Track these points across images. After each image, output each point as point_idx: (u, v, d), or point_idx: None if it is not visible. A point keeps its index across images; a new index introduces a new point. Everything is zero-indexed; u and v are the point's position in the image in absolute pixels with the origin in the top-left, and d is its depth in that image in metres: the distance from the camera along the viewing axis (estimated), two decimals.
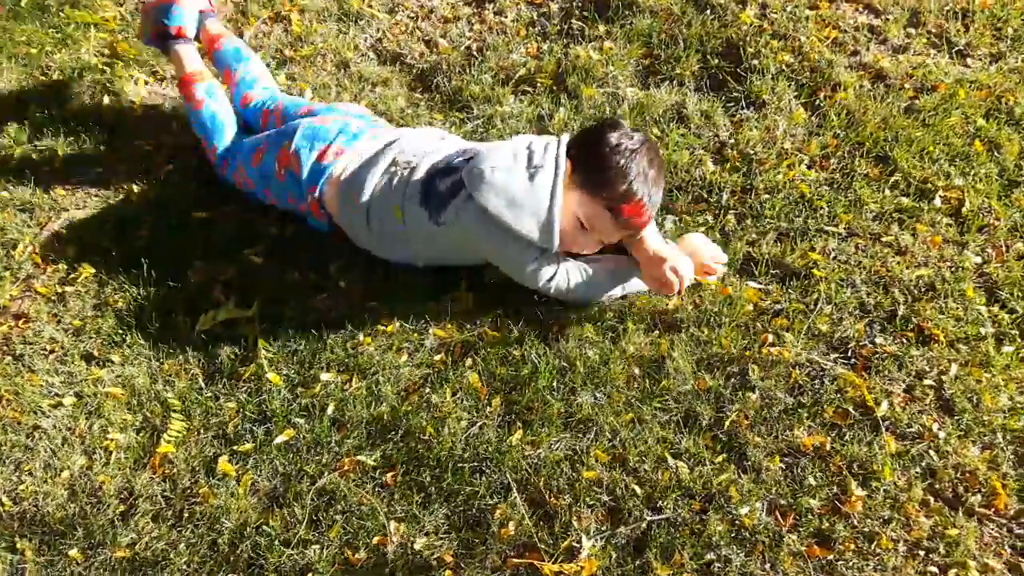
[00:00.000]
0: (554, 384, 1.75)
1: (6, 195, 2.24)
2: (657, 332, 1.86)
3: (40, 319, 1.96)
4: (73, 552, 1.57)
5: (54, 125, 2.45)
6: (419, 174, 1.89)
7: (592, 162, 1.74)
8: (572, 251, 1.87)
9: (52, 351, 1.91)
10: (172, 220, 2.16)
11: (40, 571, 1.55)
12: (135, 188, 2.27)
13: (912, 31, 2.62)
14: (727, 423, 1.67)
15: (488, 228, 1.77)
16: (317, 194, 1.98)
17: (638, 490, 1.57)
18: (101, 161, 2.35)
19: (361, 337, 1.86)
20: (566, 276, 1.84)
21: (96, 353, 1.89)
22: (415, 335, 1.87)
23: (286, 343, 1.87)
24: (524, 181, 1.73)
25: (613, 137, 1.74)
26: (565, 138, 1.82)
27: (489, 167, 1.75)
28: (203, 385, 1.81)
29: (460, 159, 1.87)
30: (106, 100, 2.52)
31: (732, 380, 1.75)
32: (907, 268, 1.94)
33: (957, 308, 1.86)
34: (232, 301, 1.95)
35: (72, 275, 2.05)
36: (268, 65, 2.66)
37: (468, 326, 1.89)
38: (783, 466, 1.61)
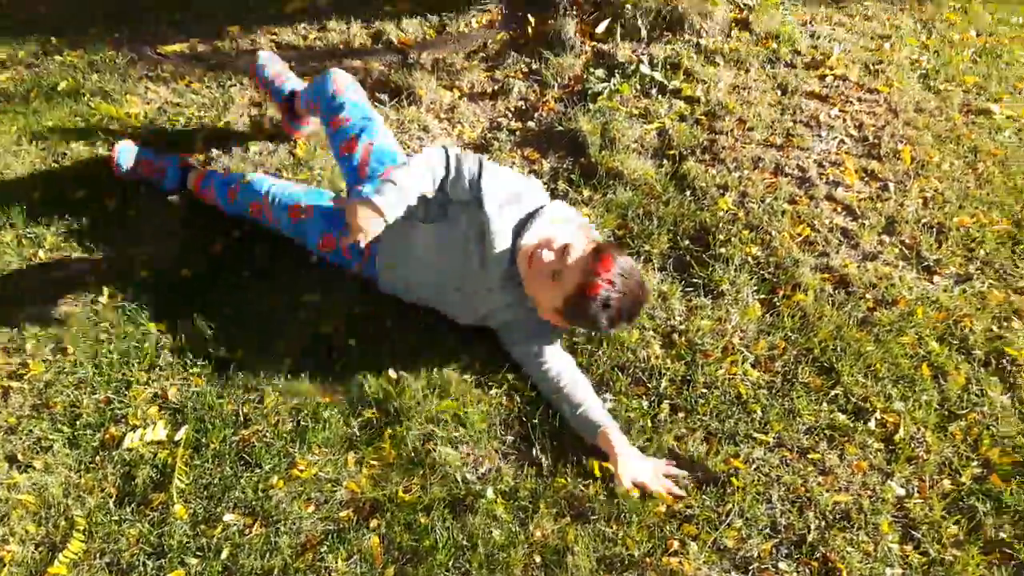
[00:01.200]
0: (451, 563, 1.75)
1: None
2: (567, 519, 1.86)
3: None
4: None
5: (50, 214, 2.59)
6: None
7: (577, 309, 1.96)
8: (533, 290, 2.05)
9: None
10: (130, 328, 2.25)
11: None
12: (113, 285, 2.37)
13: (886, 239, 2.66)
14: None
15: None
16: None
17: None
18: (90, 263, 2.46)
19: (275, 480, 1.89)
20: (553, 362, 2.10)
21: (20, 457, 1.94)
22: (328, 485, 1.90)
23: (202, 474, 1.90)
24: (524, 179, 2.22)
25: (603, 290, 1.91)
26: None
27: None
28: (112, 507, 1.84)
29: None
30: (111, 203, 2.66)
31: None
32: (827, 491, 1.93)
33: (868, 543, 1.83)
34: (164, 421, 2.00)
35: (22, 370, 2.13)
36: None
37: (383, 483, 1.91)
38: None
